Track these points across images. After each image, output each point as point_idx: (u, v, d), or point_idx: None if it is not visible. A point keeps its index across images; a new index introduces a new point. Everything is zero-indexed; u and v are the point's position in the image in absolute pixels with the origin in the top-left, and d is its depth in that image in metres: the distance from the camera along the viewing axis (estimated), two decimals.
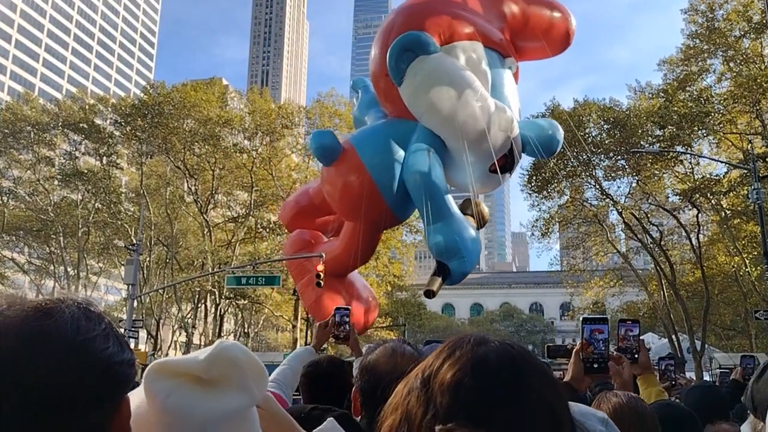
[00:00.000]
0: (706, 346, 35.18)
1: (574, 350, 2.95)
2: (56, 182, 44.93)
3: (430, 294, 8.24)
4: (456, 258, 8.01)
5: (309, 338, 38.81)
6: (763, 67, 30.09)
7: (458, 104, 8.13)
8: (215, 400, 1.06)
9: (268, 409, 1.32)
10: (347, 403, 3.27)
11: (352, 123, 10.10)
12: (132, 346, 28.92)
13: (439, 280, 8.00)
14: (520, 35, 9.17)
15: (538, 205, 37.26)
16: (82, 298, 1.04)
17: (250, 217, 42.80)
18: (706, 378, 26.92)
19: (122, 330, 28.83)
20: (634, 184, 34.95)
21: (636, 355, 3.31)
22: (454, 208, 8.31)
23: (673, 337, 34.89)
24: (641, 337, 3.44)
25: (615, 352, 3.02)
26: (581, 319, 3.02)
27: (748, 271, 32.42)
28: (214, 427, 1.06)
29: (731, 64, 32.08)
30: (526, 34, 9.18)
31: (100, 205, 43.30)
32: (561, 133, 9.20)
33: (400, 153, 8.44)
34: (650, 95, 33.65)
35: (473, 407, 0.98)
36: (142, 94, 46.64)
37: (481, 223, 8.61)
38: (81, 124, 42.75)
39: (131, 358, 1.04)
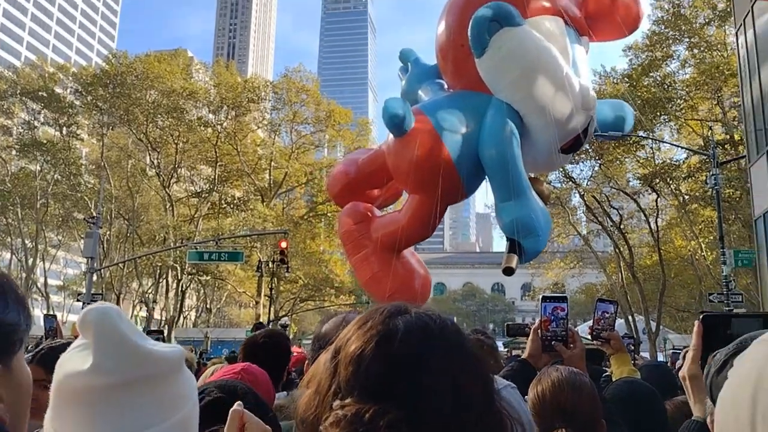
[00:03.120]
0: (661, 327, 36.11)
1: (533, 328, 2.97)
2: (14, 152, 43.63)
3: (509, 272, 8.18)
4: (531, 236, 7.90)
5: (272, 315, 38.71)
6: (725, 55, 30.61)
7: (546, 81, 8.00)
8: (73, 365, 0.97)
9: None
10: (288, 372, 3.29)
11: (402, 94, 9.80)
12: None
13: (516, 257, 7.94)
14: (589, 15, 9.11)
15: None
16: None
17: (214, 193, 42.29)
18: (660, 358, 27.66)
19: (80, 303, 28.36)
20: (596, 168, 35.42)
21: (608, 337, 3.37)
22: (529, 185, 8.24)
23: (630, 318, 35.71)
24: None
25: (572, 329, 3.06)
26: (541, 297, 3.04)
27: (703, 255, 33.23)
28: (70, 393, 0.96)
29: (695, 51, 32.57)
30: (595, 13, 9.12)
31: (59, 177, 42.25)
32: (632, 115, 9.52)
33: (475, 125, 8.29)
34: (615, 80, 34.00)
35: (371, 381, 0.92)
36: (104, 64, 45.50)
37: (544, 202, 8.63)
38: (40, 93, 41.51)
39: (11, 321, 0.95)
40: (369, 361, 0.94)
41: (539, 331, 2.91)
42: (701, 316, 1.59)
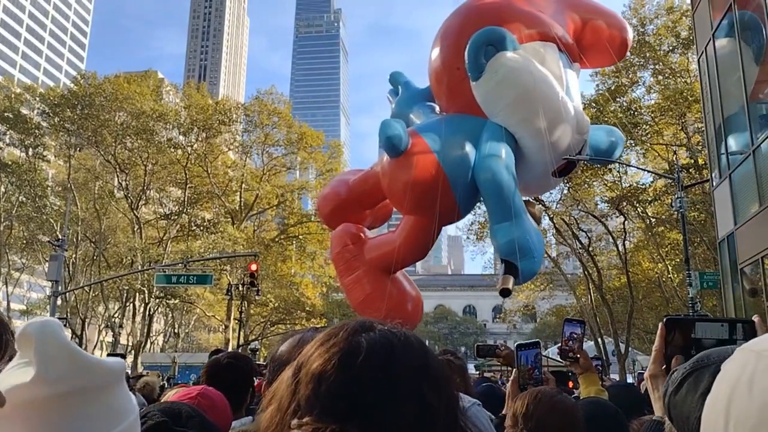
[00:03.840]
0: (630, 349, 36.45)
1: (512, 379, 2.95)
2: None
3: (506, 293, 8.10)
4: (527, 257, 7.87)
5: (241, 339, 38.23)
6: (689, 81, 31.40)
7: (542, 105, 8.01)
8: (13, 380, 0.94)
9: None
10: (252, 393, 3.24)
11: (392, 116, 9.70)
12: None
13: (512, 278, 7.88)
14: (580, 42, 9.19)
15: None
16: None
17: (184, 215, 41.85)
18: (629, 380, 27.87)
19: None
20: (565, 191, 35.89)
21: (577, 355, 3.37)
22: (524, 207, 8.21)
23: (599, 340, 35.98)
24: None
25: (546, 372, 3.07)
26: (516, 345, 3.03)
27: (670, 277, 33.72)
28: (10, 409, 0.93)
29: (660, 77, 33.38)
30: (586, 41, 9.22)
31: (24, 199, 41.42)
32: (623, 140, 9.75)
33: (471, 148, 8.22)
34: (583, 105, 34.57)
35: (331, 400, 0.90)
36: (72, 85, 45.01)
37: (536, 224, 8.64)
38: (6, 114, 40.79)
39: None
40: (330, 380, 0.92)
41: (520, 379, 2.90)
42: (664, 319, 1.60)
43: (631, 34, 9.70)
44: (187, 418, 1.64)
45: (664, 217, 33.53)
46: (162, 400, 3.43)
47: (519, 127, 8.38)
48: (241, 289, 36.28)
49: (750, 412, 0.71)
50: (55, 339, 0.97)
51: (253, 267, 29.80)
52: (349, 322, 1.03)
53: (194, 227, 43.29)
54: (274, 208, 45.20)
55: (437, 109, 9.74)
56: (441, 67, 9.02)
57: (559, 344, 3.47)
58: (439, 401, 0.95)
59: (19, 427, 0.94)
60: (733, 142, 16.87)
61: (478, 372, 19.46)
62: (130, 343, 42.62)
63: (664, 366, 1.64)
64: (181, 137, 42.04)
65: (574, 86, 9.09)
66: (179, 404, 1.78)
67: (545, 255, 40.89)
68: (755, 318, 1.44)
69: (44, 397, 0.94)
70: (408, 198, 8.26)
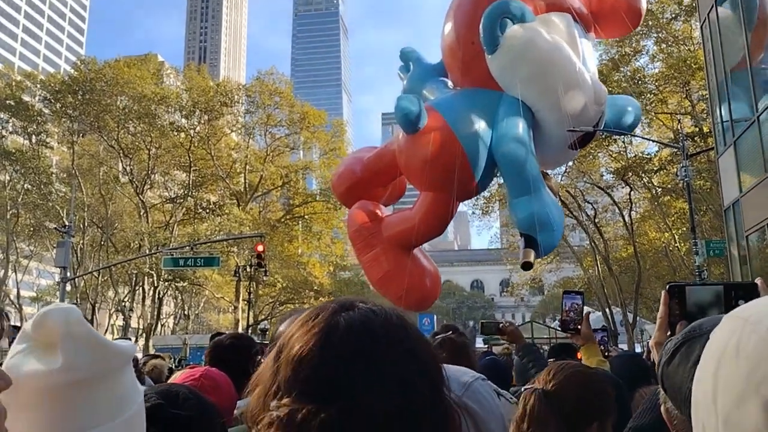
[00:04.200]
0: (638, 318, 36.54)
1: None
2: None
3: (528, 266, 8.11)
4: (546, 231, 7.84)
5: (251, 319, 38.49)
6: (692, 49, 31.07)
7: (559, 76, 7.91)
8: (33, 366, 0.96)
9: None
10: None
11: (404, 92, 9.57)
12: None
13: (533, 252, 7.90)
14: (594, 12, 9.10)
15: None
16: None
17: (189, 198, 41.91)
18: (638, 350, 27.99)
19: None
20: (570, 163, 35.74)
21: (578, 326, 3.39)
22: (543, 181, 8.19)
23: (607, 310, 36.07)
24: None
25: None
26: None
27: (677, 247, 33.67)
28: (30, 395, 0.95)
29: (663, 46, 33.02)
30: (599, 10, 9.12)
31: (29, 186, 41.55)
32: (639, 109, 9.65)
33: (487, 122, 8.18)
34: None
35: (309, 381, 0.90)
36: (72, 71, 44.89)
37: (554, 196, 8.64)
38: (8, 102, 40.76)
39: None
40: (308, 361, 0.91)
41: None
42: (667, 286, 1.61)
43: (644, 2, 9.54)
44: (183, 400, 1.65)
45: (669, 186, 33.39)
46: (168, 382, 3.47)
47: (536, 99, 8.29)
48: (248, 270, 36.44)
49: (737, 378, 0.71)
50: (81, 325, 1.00)
51: (260, 248, 29.87)
52: (330, 302, 1.03)
53: (200, 210, 43.36)
54: (279, 188, 45.21)
55: (450, 84, 9.65)
56: (455, 41, 8.90)
57: (560, 316, 3.49)
58: (421, 376, 0.94)
59: (43, 413, 0.96)
60: (736, 109, 16.74)
61: (486, 346, 19.54)
62: (141, 327, 42.99)
63: (669, 333, 1.64)
64: (183, 120, 41.96)
65: (590, 56, 8.99)
66: (177, 386, 1.79)
67: None
68: (758, 280, 1.43)
69: (67, 384, 0.96)
70: (426, 174, 8.18)
